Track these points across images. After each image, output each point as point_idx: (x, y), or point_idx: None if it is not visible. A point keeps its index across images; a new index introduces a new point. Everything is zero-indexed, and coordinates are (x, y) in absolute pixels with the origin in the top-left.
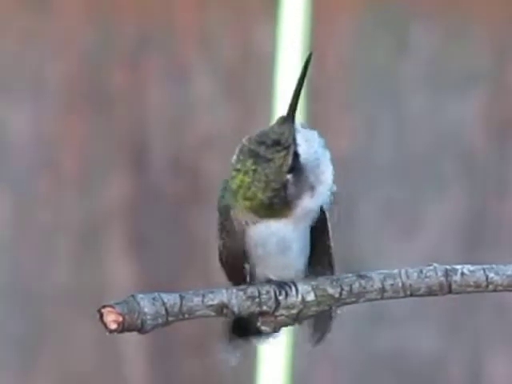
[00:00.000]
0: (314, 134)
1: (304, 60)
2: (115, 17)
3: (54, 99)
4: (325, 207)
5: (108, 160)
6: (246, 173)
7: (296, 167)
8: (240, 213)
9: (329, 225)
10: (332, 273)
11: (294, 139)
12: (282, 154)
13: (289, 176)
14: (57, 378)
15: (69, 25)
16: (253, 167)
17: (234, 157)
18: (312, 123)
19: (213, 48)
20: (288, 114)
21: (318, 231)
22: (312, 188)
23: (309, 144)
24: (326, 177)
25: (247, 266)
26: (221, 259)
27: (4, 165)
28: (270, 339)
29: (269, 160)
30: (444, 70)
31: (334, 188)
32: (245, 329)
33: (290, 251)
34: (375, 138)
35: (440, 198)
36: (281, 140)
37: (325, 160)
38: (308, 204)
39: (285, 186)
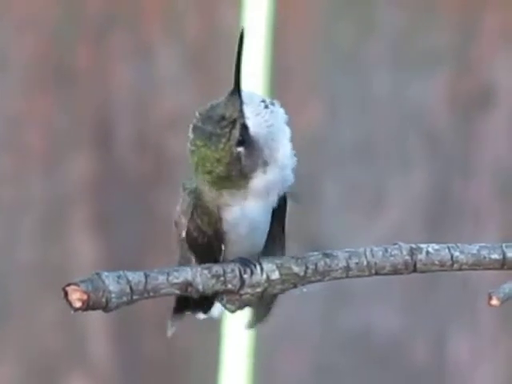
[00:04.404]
0: (274, 110)
1: (239, 35)
2: None
3: (19, 76)
4: (286, 188)
5: (72, 137)
6: (198, 149)
7: (246, 140)
8: (212, 195)
9: (287, 206)
10: (283, 253)
11: (242, 112)
12: (228, 128)
13: (240, 149)
14: (20, 356)
15: (33, 2)
16: (202, 143)
17: (189, 134)
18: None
19: (178, 25)
20: (234, 87)
21: (276, 214)
22: (265, 162)
23: (260, 117)
24: (280, 151)
25: (222, 247)
26: (191, 242)
27: None
28: (214, 312)
29: (216, 135)
30: (408, 49)
31: (294, 161)
32: (191, 301)
33: (259, 231)
34: (339, 117)
35: (404, 177)
36: (226, 114)
37: (281, 134)
38: (263, 177)
39: (238, 158)
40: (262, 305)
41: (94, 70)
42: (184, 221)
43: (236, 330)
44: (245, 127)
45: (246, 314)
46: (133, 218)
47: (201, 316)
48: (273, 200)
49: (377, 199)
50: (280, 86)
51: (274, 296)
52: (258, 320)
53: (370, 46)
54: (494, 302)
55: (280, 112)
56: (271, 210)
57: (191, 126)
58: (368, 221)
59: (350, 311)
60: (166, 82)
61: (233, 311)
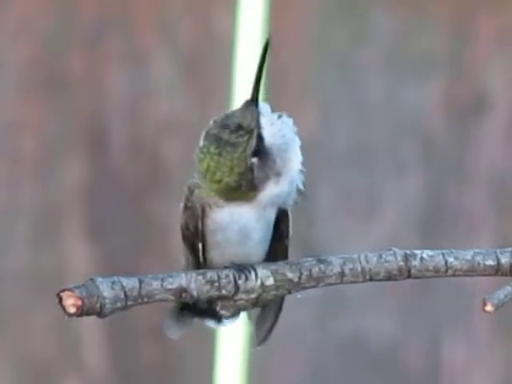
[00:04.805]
0: (285, 120)
1: (263, 45)
2: (74, 0)
3: (12, 81)
4: (288, 203)
5: (66, 143)
6: (211, 158)
7: (261, 151)
8: (206, 194)
9: (290, 219)
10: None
11: (258, 123)
12: (246, 137)
13: (254, 160)
14: (15, 362)
15: (28, 8)
16: (217, 151)
17: (201, 141)
18: (270, 108)
19: (172, 32)
20: (251, 97)
21: (278, 232)
22: (278, 173)
23: (274, 128)
24: (293, 163)
25: (200, 246)
26: (182, 235)
27: None
28: (218, 321)
29: (232, 144)
30: (403, 54)
31: (302, 177)
32: (194, 308)
33: (251, 241)
34: (334, 123)
35: (399, 183)
36: (244, 124)
37: (294, 146)
38: (274, 189)
39: (251, 169)
40: (268, 318)
41: (88, 76)
42: (180, 215)
43: (231, 333)
44: (260, 138)
45: (246, 322)
46: (127, 224)
47: (211, 324)
48: (270, 212)
49: (371, 205)
50: (274, 91)
51: (279, 309)
52: (265, 335)
53: (364, 51)
54: (489, 308)
55: (290, 122)
56: (271, 226)
57: (204, 132)
58: (362, 226)
59: (344, 317)
60: (160, 87)
61: (227, 317)
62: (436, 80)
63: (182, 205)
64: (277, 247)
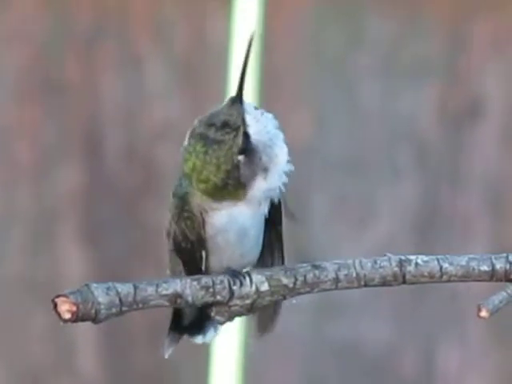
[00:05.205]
0: (267, 116)
1: (247, 41)
2: (69, 5)
3: (8, 88)
4: (278, 195)
5: (61, 149)
6: (197, 156)
7: (247, 148)
8: (199, 199)
9: (282, 212)
10: (282, 263)
11: (244, 120)
12: (232, 135)
13: (240, 157)
14: (9, 368)
15: (23, 13)
16: (203, 150)
17: (186, 140)
18: (254, 105)
19: (167, 37)
20: (236, 95)
21: (270, 221)
22: (265, 169)
23: (260, 124)
24: (279, 158)
25: (204, 254)
26: (176, 247)
27: None
28: (208, 336)
29: (218, 142)
30: (397, 60)
31: (290, 168)
32: (185, 324)
33: (248, 239)
34: (328, 128)
35: (393, 188)
36: (230, 121)
37: (278, 141)
38: (262, 185)
39: (237, 167)
40: (267, 315)
41: (82, 82)
42: (171, 226)
43: (225, 342)
44: (246, 135)
45: (246, 325)
46: (121, 230)
47: (199, 340)
48: (264, 208)
49: (366, 210)
50: (269, 96)
51: (278, 306)
52: (263, 330)
53: (358, 56)
54: (484, 313)
55: (271, 117)
56: (263, 219)
57: (189, 131)
58: (357, 232)
59: (339, 322)
60: (154, 93)
61: (222, 323)
62: (431, 85)
63: (171, 215)
64: (271, 236)
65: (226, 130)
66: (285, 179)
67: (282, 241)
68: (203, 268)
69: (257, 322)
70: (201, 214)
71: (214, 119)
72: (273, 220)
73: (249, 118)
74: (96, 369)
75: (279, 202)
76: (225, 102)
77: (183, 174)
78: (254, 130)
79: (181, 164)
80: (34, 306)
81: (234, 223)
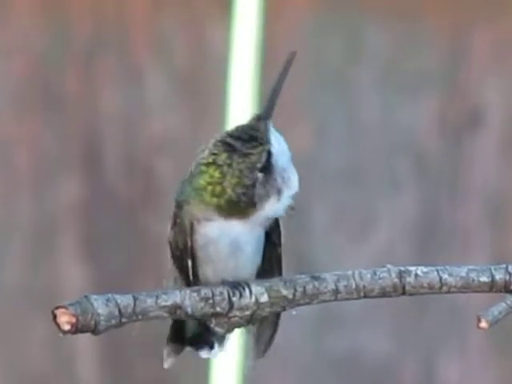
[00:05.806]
0: (281, 137)
1: (287, 59)
2: (69, 18)
3: (7, 99)
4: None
5: (61, 161)
6: (219, 166)
7: (267, 166)
8: (196, 208)
9: (281, 231)
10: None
11: (269, 138)
12: (259, 149)
13: (259, 175)
14: (9, 378)
15: (22, 25)
16: (228, 161)
17: (206, 151)
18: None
19: (166, 49)
20: (265, 112)
21: (270, 237)
22: (279, 191)
23: (281, 146)
24: (292, 181)
25: (189, 262)
26: (171, 254)
27: None
28: (214, 352)
29: (245, 155)
30: (397, 72)
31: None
32: (188, 336)
33: (242, 254)
34: (327, 139)
35: (393, 200)
36: (258, 136)
37: (291, 165)
38: (272, 207)
39: (254, 184)
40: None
41: (82, 94)
42: (169, 232)
43: (224, 355)
44: (269, 153)
45: (241, 339)
46: (121, 241)
47: (203, 355)
48: (264, 226)
49: (365, 222)
50: None
51: (276, 324)
52: (262, 352)
53: (358, 68)
54: (483, 324)
55: (282, 138)
56: (262, 238)
57: (213, 141)
58: (357, 243)
59: (339, 334)
60: (154, 105)
61: (222, 334)
62: (430, 97)
63: (170, 222)
64: (270, 257)
65: (253, 143)
66: (291, 202)
67: (280, 262)
68: (190, 277)
69: (254, 343)
70: (191, 222)
71: (240, 132)
72: (273, 241)
73: (272, 137)
74: (96, 377)
75: (278, 224)
76: (250, 118)
77: (191, 184)
78: (275, 150)
79: (190, 174)
80: (34, 316)
81: (225, 235)
